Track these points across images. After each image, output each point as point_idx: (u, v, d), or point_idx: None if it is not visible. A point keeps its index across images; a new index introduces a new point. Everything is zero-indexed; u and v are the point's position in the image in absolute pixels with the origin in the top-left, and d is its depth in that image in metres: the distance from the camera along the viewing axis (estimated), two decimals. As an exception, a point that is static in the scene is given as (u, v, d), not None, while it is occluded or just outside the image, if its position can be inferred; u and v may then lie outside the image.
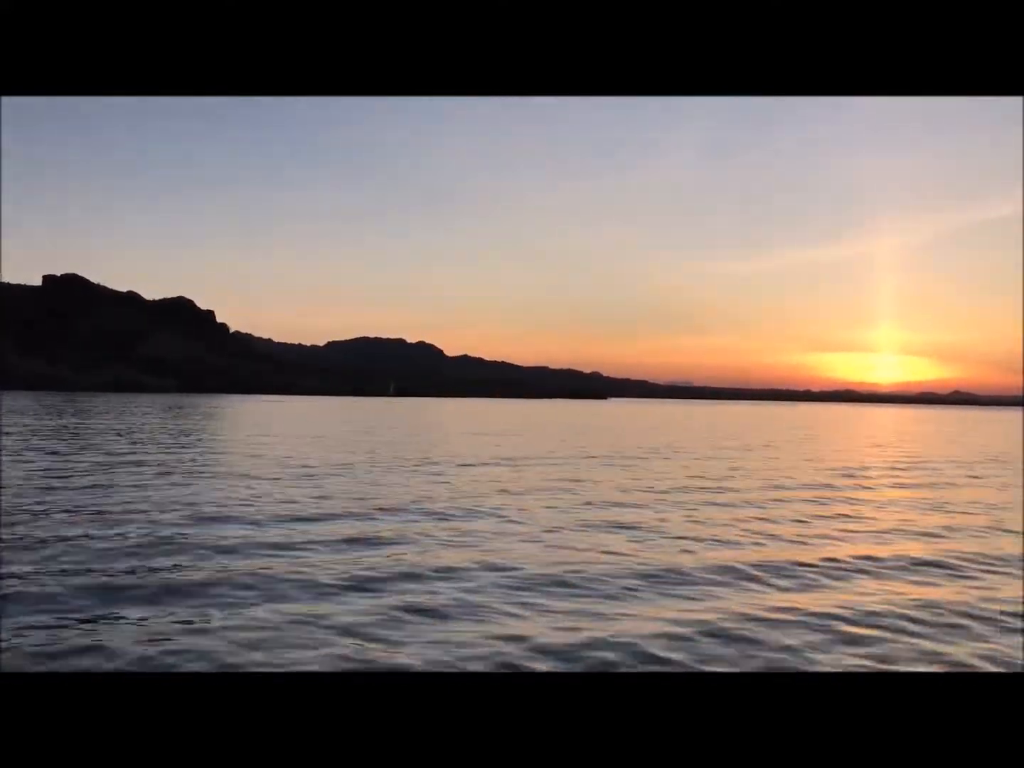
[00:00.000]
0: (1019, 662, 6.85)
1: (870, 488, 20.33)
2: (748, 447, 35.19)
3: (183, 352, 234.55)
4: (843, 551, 11.47)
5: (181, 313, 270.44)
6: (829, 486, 20.15)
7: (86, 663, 6.04)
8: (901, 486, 20.98)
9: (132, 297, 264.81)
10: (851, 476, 23.10)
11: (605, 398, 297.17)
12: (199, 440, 30.81)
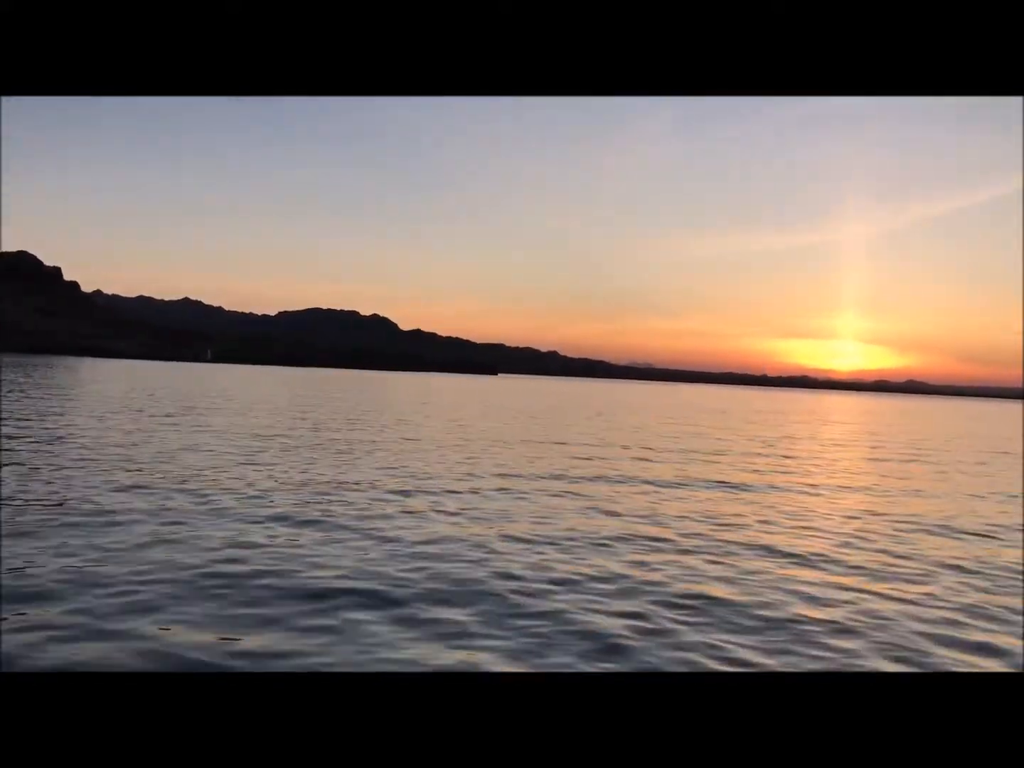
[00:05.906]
0: (1019, 662, 6.90)
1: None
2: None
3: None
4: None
5: (19, 269, 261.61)
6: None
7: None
8: None
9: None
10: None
11: (495, 373, 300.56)
12: None
